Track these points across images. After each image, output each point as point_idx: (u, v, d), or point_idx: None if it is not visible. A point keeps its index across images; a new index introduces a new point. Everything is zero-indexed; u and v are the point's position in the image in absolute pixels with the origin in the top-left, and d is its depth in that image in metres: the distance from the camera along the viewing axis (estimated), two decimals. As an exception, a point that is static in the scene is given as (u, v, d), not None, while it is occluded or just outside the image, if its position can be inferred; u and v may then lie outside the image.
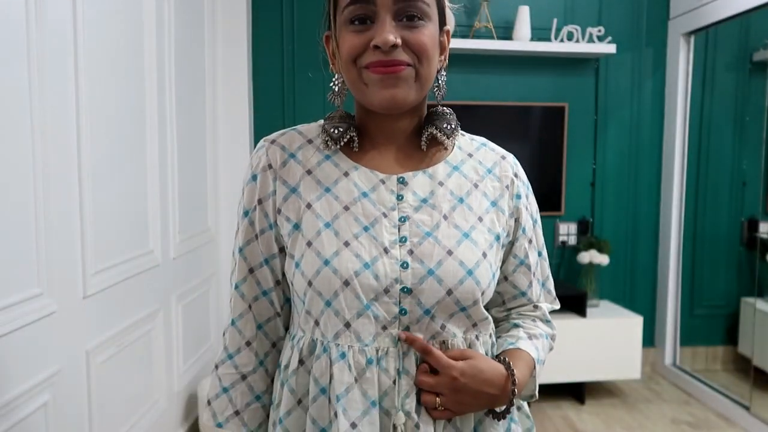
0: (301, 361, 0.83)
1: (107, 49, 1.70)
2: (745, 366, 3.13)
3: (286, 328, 0.91)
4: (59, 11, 1.44)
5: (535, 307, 0.94)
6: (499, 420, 0.84)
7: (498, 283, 0.91)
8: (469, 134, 0.93)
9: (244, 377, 0.89)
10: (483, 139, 0.93)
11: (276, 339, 0.91)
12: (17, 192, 1.29)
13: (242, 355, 0.89)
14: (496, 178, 0.88)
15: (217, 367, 0.91)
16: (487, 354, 0.85)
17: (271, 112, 3.12)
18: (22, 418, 1.32)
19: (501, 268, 0.90)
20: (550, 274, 0.98)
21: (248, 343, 0.89)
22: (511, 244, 0.90)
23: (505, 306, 0.94)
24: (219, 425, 0.90)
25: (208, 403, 0.91)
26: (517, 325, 0.92)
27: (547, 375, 2.90)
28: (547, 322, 0.95)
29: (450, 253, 0.80)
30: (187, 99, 2.38)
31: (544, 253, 0.95)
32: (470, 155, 0.89)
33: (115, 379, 1.77)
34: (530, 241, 0.91)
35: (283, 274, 0.87)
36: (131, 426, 1.88)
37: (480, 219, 0.84)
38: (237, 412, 0.89)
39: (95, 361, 1.63)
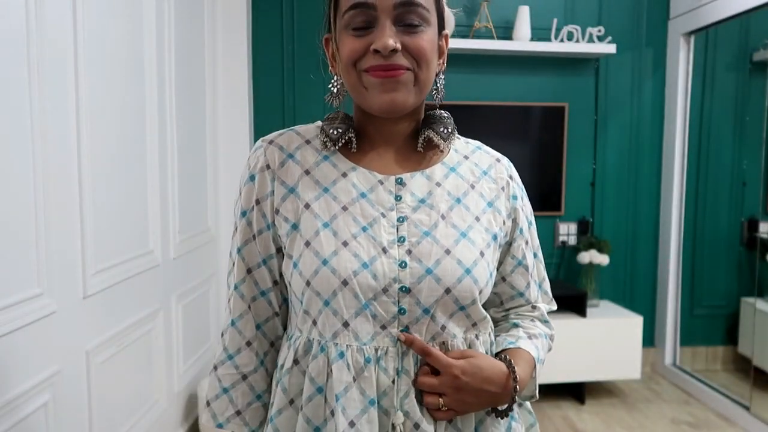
0: (295, 361, 0.83)
1: (107, 49, 1.70)
2: (745, 366, 3.13)
3: (285, 328, 0.92)
4: (59, 11, 1.44)
5: (534, 307, 0.94)
6: (501, 418, 0.84)
7: (496, 284, 0.91)
8: (464, 137, 0.94)
9: (245, 377, 0.90)
10: (478, 143, 0.95)
11: (274, 338, 0.91)
12: (17, 192, 1.29)
13: (243, 355, 0.89)
14: (491, 180, 0.90)
15: (216, 368, 0.91)
16: (487, 353, 0.86)
17: (271, 112, 3.13)
18: (22, 418, 1.32)
19: (499, 269, 0.91)
20: (547, 276, 0.98)
21: (249, 343, 0.89)
22: (509, 244, 0.91)
23: (503, 306, 0.95)
24: (220, 426, 0.91)
25: (207, 404, 0.91)
26: (516, 325, 0.92)
27: (547, 375, 2.90)
28: (545, 322, 0.95)
29: (448, 252, 0.80)
30: (187, 99, 2.38)
31: (540, 254, 0.96)
32: (466, 157, 0.91)
33: (115, 379, 1.77)
34: (527, 242, 0.92)
35: (281, 274, 0.88)
36: (131, 426, 1.88)
37: (477, 219, 0.85)
38: (238, 412, 0.89)
39: (95, 361, 1.63)
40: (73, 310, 1.52)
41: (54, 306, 1.42)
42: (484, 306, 0.87)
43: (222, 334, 0.91)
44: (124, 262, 1.82)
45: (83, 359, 1.58)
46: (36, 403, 1.37)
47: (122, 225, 1.81)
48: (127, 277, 1.82)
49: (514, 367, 0.81)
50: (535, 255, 0.95)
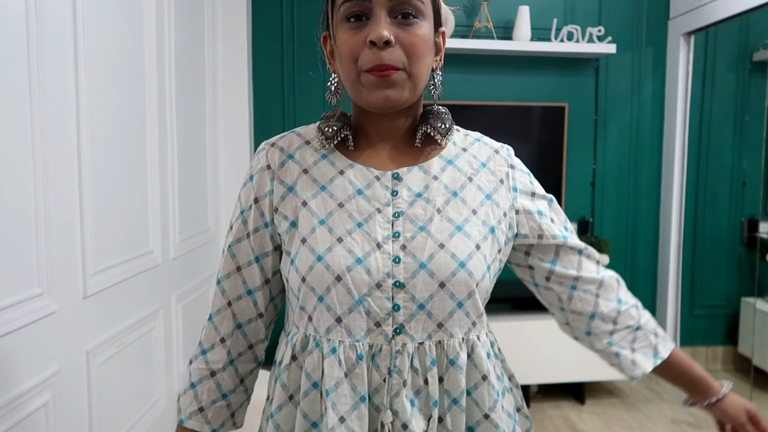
0: (293, 357, 0.84)
1: (107, 49, 1.70)
2: (745, 366, 3.13)
3: (267, 330, 0.93)
4: (59, 11, 1.44)
5: (615, 281, 0.95)
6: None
7: (548, 280, 0.91)
8: (464, 130, 0.94)
9: (213, 374, 0.90)
10: (478, 135, 0.94)
11: (255, 341, 0.92)
12: (17, 192, 1.29)
13: (215, 351, 0.90)
14: (490, 172, 0.89)
15: (191, 362, 0.92)
16: (488, 354, 0.86)
17: (271, 112, 3.12)
18: (22, 418, 1.32)
19: (544, 259, 0.90)
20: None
21: (222, 340, 0.90)
22: (537, 234, 0.90)
23: (579, 296, 0.92)
24: (181, 422, 0.90)
25: (178, 398, 0.92)
26: (617, 355, 0.93)
27: (547, 375, 2.90)
28: (634, 307, 0.97)
29: (442, 246, 0.80)
30: (187, 99, 2.38)
31: (570, 226, 0.94)
32: (464, 149, 0.90)
33: (115, 379, 1.77)
34: (553, 220, 0.91)
35: (274, 273, 0.89)
36: (131, 426, 1.88)
37: (474, 212, 0.85)
38: (201, 409, 0.90)
39: (95, 361, 1.63)
40: (73, 310, 1.52)
41: (54, 306, 1.42)
42: (565, 319, 0.92)
43: (203, 329, 0.92)
44: (124, 262, 1.82)
45: (83, 359, 1.57)
46: (36, 403, 1.37)
47: (122, 225, 1.81)
48: (127, 277, 1.82)
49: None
50: (566, 228, 0.93)
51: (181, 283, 2.33)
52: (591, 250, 0.94)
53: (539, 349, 2.87)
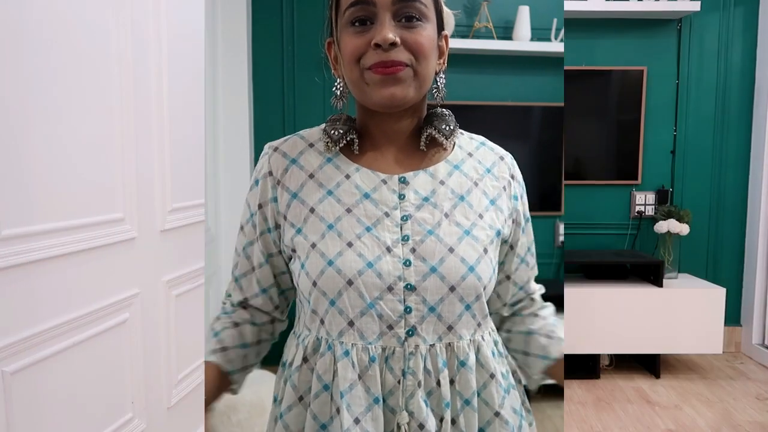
0: (305, 359, 0.84)
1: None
2: None
3: (281, 313, 0.97)
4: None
5: (532, 300, 0.99)
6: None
7: (500, 282, 0.95)
8: (468, 133, 0.95)
9: (236, 325, 0.95)
10: (482, 138, 0.95)
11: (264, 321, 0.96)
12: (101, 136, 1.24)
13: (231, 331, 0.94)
14: (494, 178, 0.91)
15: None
16: (493, 353, 0.87)
17: (271, 113, 3.09)
18: (105, 329, 1.42)
19: (503, 268, 0.94)
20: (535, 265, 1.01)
21: (236, 324, 0.95)
22: (511, 245, 0.94)
23: (507, 305, 0.98)
24: (206, 359, 0.93)
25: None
26: (530, 333, 0.96)
27: (619, 345, 2.81)
28: (544, 307, 1.00)
29: (451, 250, 0.81)
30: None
31: (533, 248, 0.99)
32: (470, 154, 0.91)
33: (191, 311, 1.86)
34: (527, 238, 0.96)
35: (282, 273, 0.92)
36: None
37: (480, 216, 0.86)
38: (224, 348, 0.92)
39: (172, 292, 1.74)
40: (152, 240, 1.59)
41: (134, 232, 1.35)
42: (490, 309, 0.92)
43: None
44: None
45: (161, 287, 1.62)
46: (116, 319, 1.44)
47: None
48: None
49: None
50: (528, 249, 0.97)
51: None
52: (534, 290, 1.00)
53: (612, 319, 2.79)
